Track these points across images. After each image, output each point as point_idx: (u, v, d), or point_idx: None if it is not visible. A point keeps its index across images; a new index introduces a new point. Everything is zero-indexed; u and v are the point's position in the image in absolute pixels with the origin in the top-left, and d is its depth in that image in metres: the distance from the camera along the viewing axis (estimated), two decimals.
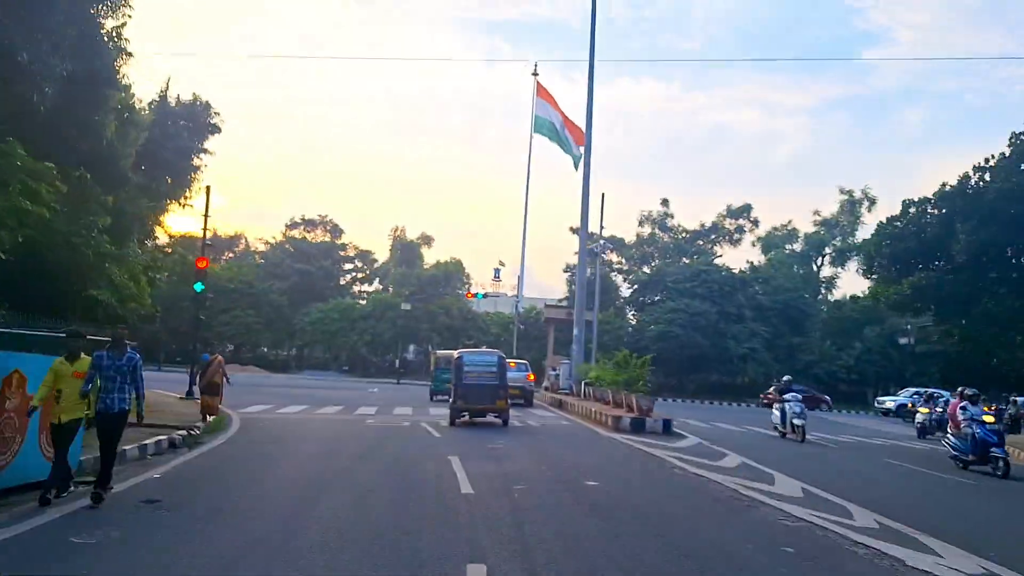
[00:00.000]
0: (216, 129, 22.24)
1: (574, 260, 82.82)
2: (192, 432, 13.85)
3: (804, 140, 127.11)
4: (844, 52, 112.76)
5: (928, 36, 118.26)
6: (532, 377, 23.65)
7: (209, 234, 68.26)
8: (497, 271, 66.30)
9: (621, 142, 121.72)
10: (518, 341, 53.32)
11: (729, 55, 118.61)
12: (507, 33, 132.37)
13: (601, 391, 22.66)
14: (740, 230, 78.53)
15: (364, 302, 63.35)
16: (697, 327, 56.46)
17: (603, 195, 45.68)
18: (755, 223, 78.44)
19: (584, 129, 35.62)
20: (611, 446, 16.00)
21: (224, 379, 16.51)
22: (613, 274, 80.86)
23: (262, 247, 68.12)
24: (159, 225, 22.55)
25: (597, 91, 32.49)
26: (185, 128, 21.51)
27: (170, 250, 29.45)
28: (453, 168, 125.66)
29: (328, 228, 70.67)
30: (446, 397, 22.33)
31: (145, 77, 60.40)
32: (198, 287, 23.36)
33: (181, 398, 22.03)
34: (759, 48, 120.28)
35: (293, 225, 68.90)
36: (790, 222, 76.05)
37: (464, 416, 17.86)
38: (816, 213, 75.16)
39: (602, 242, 45.63)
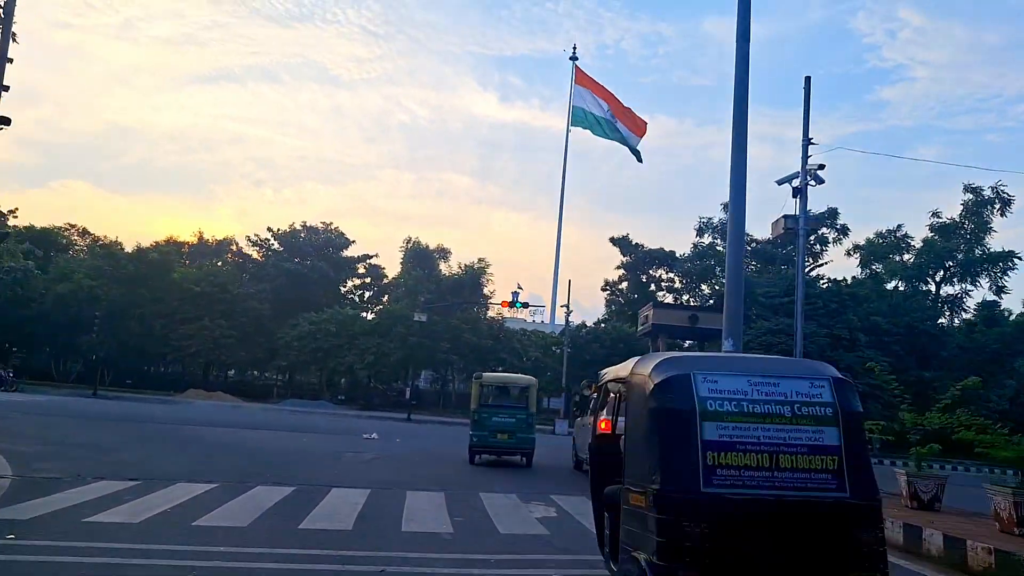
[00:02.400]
0: None
1: (613, 275, 72.19)
2: None
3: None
4: (858, 89, 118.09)
5: (942, 73, 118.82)
6: None
7: (193, 238, 57.69)
8: (516, 295, 55.34)
9: (629, 176, 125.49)
10: (569, 367, 41.75)
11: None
12: (518, 69, 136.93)
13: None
14: (823, 240, 66.27)
15: (369, 315, 52.04)
16: (807, 354, 44.60)
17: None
18: (843, 231, 66.04)
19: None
20: None
21: None
22: (661, 294, 69.31)
23: (248, 248, 56.95)
24: None
25: None
26: None
27: None
28: (472, 190, 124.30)
29: (333, 234, 59.05)
30: (492, 456, 15.83)
31: None
32: None
33: None
34: (772, 85, 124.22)
35: (290, 233, 57.22)
36: (899, 227, 63.60)
37: None
38: (934, 215, 62.90)
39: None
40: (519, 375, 16.99)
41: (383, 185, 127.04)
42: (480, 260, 49.69)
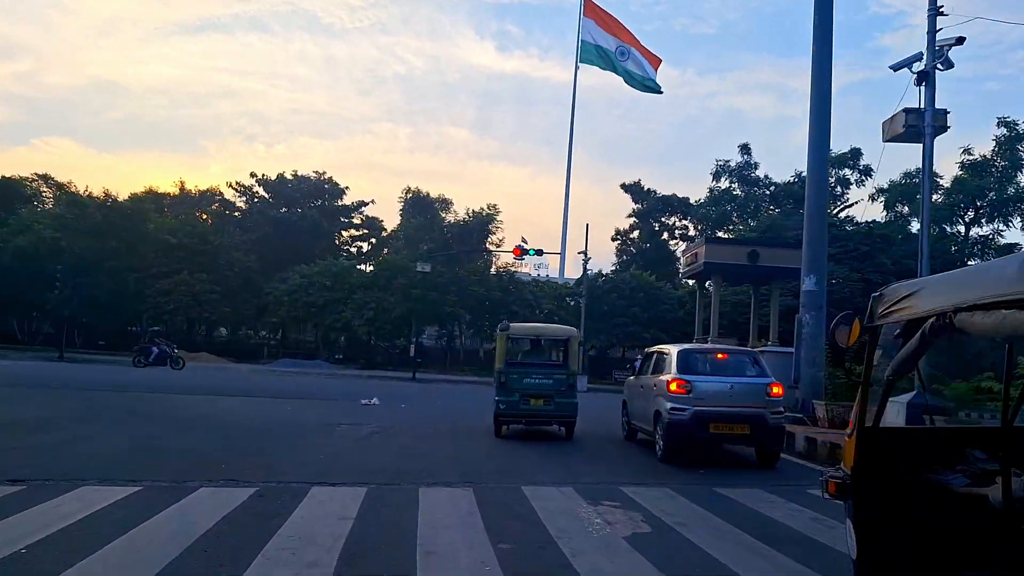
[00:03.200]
0: None
1: (623, 224, 68.35)
2: None
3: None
4: (860, 36, 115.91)
5: (944, 20, 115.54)
6: (779, 390, 8.85)
7: (174, 189, 53.42)
8: (525, 244, 51.65)
9: (634, 126, 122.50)
10: (587, 320, 38.54)
11: (744, 40, 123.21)
12: (517, 16, 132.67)
13: None
14: (845, 183, 62.25)
15: (366, 268, 48.63)
16: (834, 301, 41.68)
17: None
18: (866, 172, 61.91)
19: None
20: None
21: None
22: (675, 242, 65.84)
23: (232, 197, 52.90)
24: None
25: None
26: None
27: None
28: (471, 144, 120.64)
29: (325, 182, 54.65)
30: (521, 425, 12.75)
31: None
32: None
33: None
34: (775, 33, 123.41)
35: (277, 181, 52.90)
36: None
37: None
38: (965, 152, 58.79)
39: None
40: (557, 325, 13.71)
41: (380, 139, 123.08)
42: (489, 206, 45.95)
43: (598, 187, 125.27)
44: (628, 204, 65.55)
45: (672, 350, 10.73)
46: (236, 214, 51.08)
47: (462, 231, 45.94)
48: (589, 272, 38.86)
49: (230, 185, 50.22)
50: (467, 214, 46.10)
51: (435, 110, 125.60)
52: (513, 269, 43.52)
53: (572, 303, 47.14)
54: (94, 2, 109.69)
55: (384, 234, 56.86)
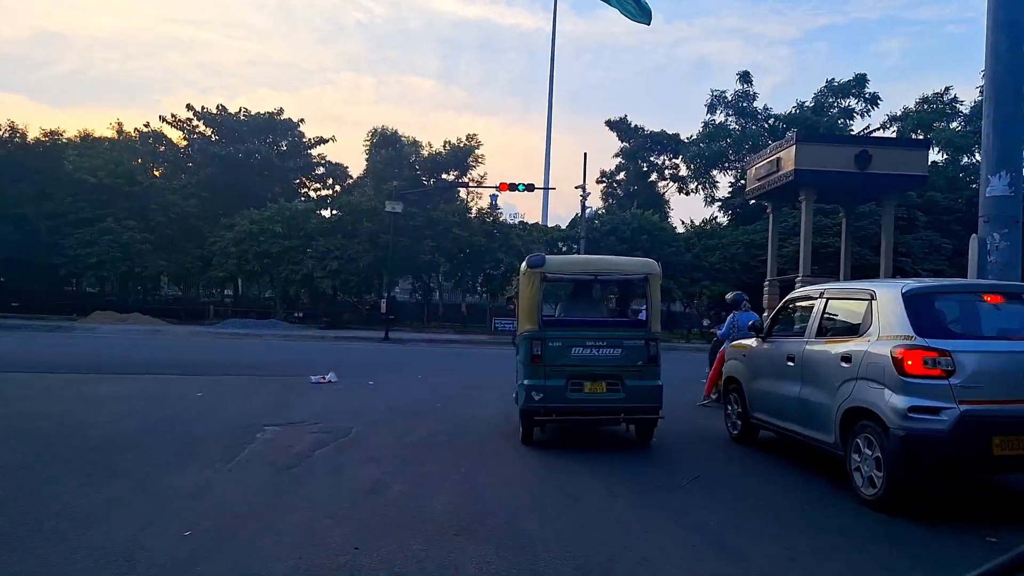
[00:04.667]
0: None
1: (609, 164, 62.97)
2: None
3: (786, 71, 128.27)
4: None
5: None
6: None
7: (111, 131, 45.62)
8: (494, 197, 45.93)
9: (601, 74, 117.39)
10: None
11: None
12: None
13: None
14: (849, 113, 57.08)
15: (327, 213, 42.80)
16: (858, 237, 37.86)
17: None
18: (873, 101, 56.79)
19: None
20: None
21: None
22: (664, 183, 60.95)
23: (168, 132, 45.96)
24: None
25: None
26: None
27: None
28: (436, 94, 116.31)
29: (277, 117, 47.56)
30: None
31: None
32: None
33: None
34: None
35: (220, 114, 45.56)
36: (947, 90, 54.44)
37: None
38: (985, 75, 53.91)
39: None
40: (626, 258, 8.47)
41: (341, 90, 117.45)
42: (469, 136, 40.07)
43: (574, 135, 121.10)
44: (610, 146, 60.68)
45: (880, 289, 5.68)
46: (176, 153, 44.46)
47: (437, 165, 40.22)
48: (589, 209, 33.60)
49: (163, 119, 43.46)
50: (444, 146, 40.25)
51: (398, 59, 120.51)
52: (528, 184, 37.93)
53: (565, 248, 42.08)
54: None
55: (349, 182, 50.72)
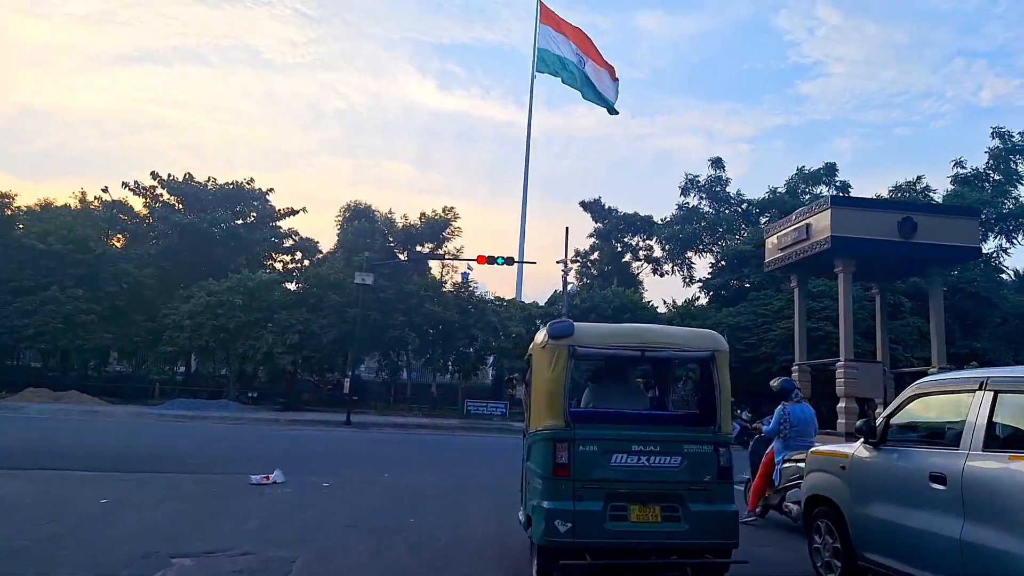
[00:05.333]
0: None
1: (584, 244, 62.10)
2: None
3: (746, 165, 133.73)
4: (780, 84, 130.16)
5: (857, 69, 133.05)
6: None
7: (73, 200, 42.32)
8: (465, 275, 44.12)
9: (571, 163, 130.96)
10: None
11: (672, 85, 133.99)
12: (459, 57, 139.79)
13: None
14: (818, 199, 56.95)
15: (292, 285, 40.40)
16: (829, 318, 37.04)
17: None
18: (843, 189, 57.45)
19: None
20: None
21: None
22: (638, 264, 60.26)
23: (134, 201, 43.46)
24: None
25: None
26: None
27: None
28: (413, 179, 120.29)
29: (246, 186, 45.13)
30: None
31: None
32: None
33: None
34: (701, 79, 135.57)
35: (185, 183, 42.93)
36: (919, 179, 55.20)
37: None
38: (958, 165, 54.97)
39: None
40: (683, 329, 6.21)
41: (320, 173, 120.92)
42: (445, 209, 38.47)
43: (545, 219, 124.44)
44: (582, 228, 60.36)
45: None
46: (132, 221, 41.97)
47: (412, 238, 38.43)
48: (572, 286, 31.81)
49: (126, 186, 41.12)
50: (419, 218, 38.53)
51: (376, 145, 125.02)
52: (508, 257, 35.75)
53: (541, 325, 40.15)
54: (22, 28, 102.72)
55: (318, 256, 48.41)
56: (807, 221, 12.91)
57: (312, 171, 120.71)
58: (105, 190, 37.87)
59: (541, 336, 5.55)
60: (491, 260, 30.65)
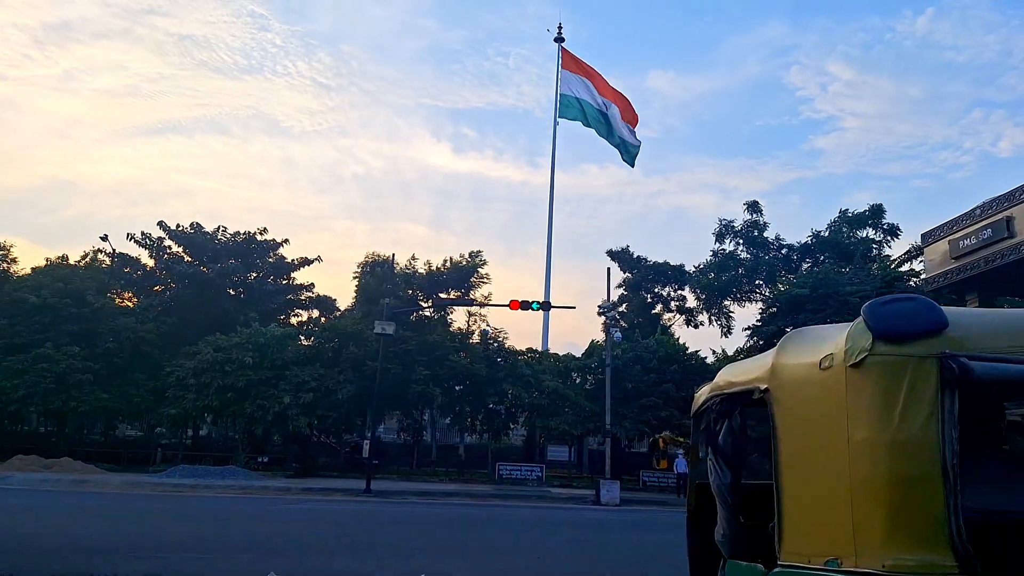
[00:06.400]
0: None
1: (612, 295, 59.32)
2: None
3: (764, 219, 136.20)
4: (794, 140, 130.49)
5: (872, 123, 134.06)
6: None
7: (83, 259, 40.47)
8: (486, 332, 40.67)
9: (584, 222, 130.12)
10: (613, 400, 28.10)
11: (685, 143, 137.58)
12: (472, 121, 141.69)
13: None
14: (866, 245, 53.61)
15: (306, 340, 37.40)
16: None
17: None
18: (893, 232, 53.63)
19: None
20: None
21: None
22: (669, 315, 56.75)
23: (136, 252, 41.08)
24: None
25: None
26: None
27: None
28: (428, 239, 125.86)
29: (259, 237, 42.68)
30: None
31: None
32: None
33: None
34: (714, 137, 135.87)
35: (194, 232, 40.41)
36: (981, 211, 51.70)
37: None
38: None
39: None
40: None
41: (337, 236, 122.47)
42: (472, 253, 35.63)
43: (562, 276, 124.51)
44: (598, 284, 57.18)
45: None
46: (136, 274, 39.48)
47: (436, 285, 35.45)
48: (615, 333, 28.45)
49: (131, 237, 38.84)
50: (444, 264, 35.65)
51: (392, 208, 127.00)
52: (542, 302, 32.27)
53: (578, 379, 36.64)
54: (51, 103, 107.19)
55: (336, 314, 45.49)
56: (1006, 215, 9.60)
57: (329, 234, 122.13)
58: (104, 238, 35.42)
59: (840, 339, 2.34)
60: (524, 305, 27.57)
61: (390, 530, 14.22)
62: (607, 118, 52.34)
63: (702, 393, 3.68)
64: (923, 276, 10.22)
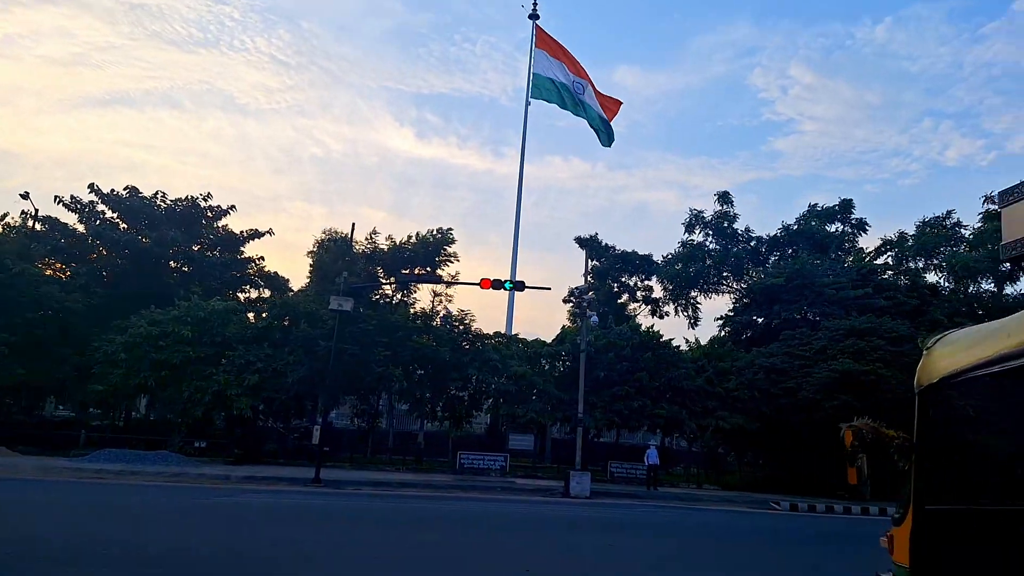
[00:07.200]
0: None
1: (577, 283, 57.56)
2: None
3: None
4: (754, 140, 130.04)
5: (830, 127, 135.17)
6: None
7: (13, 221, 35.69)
8: (495, 280, 38.88)
9: (547, 213, 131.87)
10: (586, 389, 26.12)
11: (650, 139, 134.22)
12: (436, 106, 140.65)
13: None
14: (839, 238, 52.93)
15: (254, 318, 34.35)
16: (902, 366, 33.18)
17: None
18: (862, 227, 53.05)
19: None
20: None
21: None
22: (635, 305, 55.21)
23: (65, 216, 37.23)
24: None
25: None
26: None
27: None
28: (388, 225, 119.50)
29: (202, 203, 39.28)
30: None
31: None
32: None
33: None
34: (677, 134, 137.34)
35: (129, 196, 36.76)
36: (949, 214, 50.94)
37: None
38: (989, 200, 51.08)
39: None
40: None
41: (293, 219, 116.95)
42: (441, 229, 33.02)
43: (527, 266, 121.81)
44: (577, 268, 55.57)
45: None
46: (66, 239, 35.73)
47: (400, 261, 32.86)
48: (591, 317, 26.44)
49: (59, 200, 35.07)
50: (409, 239, 33.00)
51: (352, 191, 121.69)
52: (517, 282, 29.77)
53: (547, 366, 34.61)
54: None
55: (289, 295, 42.24)
56: None
57: (284, 215, 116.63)
58: (25, 196, 31.68)
59: None
60: (496, 284, 25.39)
61: (343, 528, 11.91)
62: (582, 99, 50.62)
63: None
64: (1003, 242, 8.38)
